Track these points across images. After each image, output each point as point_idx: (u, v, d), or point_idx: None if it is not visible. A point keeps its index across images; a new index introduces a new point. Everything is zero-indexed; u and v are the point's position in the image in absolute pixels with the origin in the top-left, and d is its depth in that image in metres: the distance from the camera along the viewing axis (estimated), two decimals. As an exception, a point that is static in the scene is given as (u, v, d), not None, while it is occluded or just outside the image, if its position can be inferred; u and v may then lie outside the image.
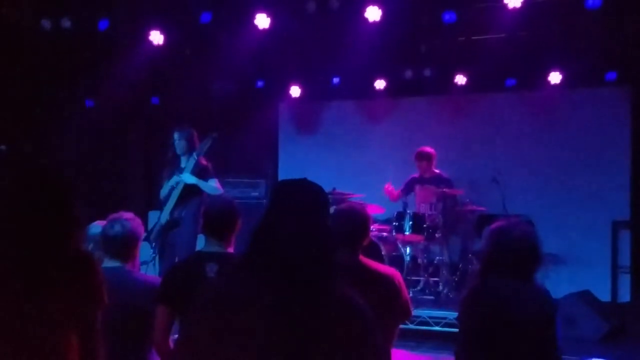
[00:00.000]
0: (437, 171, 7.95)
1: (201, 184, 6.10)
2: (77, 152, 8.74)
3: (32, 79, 8.00)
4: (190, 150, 6.23)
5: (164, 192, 6.34)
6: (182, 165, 6.26)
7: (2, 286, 2.06)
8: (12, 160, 7.57)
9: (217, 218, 3.17)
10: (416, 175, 8.09)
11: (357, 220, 3.12)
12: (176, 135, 6.31)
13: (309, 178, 1.95)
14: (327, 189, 2.16)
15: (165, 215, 6.21)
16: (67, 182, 2.23)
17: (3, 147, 7.92)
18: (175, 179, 6.19)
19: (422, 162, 7.90)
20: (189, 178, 6.08)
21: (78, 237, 2.28)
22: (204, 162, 6.23)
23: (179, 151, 6.31)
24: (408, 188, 8.11)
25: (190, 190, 6.12)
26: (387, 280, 3.08)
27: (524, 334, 2.78)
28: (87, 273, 2.16)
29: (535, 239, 2.89)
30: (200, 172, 6.16)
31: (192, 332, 1.83)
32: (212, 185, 6.16)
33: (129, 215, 3.30)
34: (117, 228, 3.20)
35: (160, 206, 6.44)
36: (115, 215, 3.28)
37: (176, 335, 3.06)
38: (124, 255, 3.25)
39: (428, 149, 7.94)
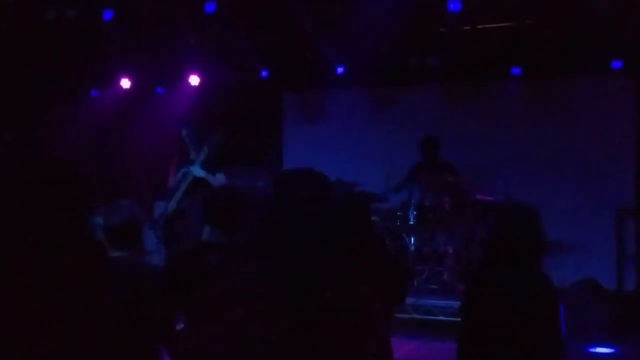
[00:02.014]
0: (442, 160, 7.91)
1: (209, 177, 6.16)
2: (82, 142, 8.76)
3: (36, 69, 8.01)
4: (197, 144, 6.30)
5: (172, 183, 6.41)
6: (191, 157, 6.32)
7: (15, 275, 2.06)
8: (20, 150, 7.59)
9: (220, 207, 3.17)
10: (421, 162, 8.06)
11: (355, 206, 3.11)
12: (184, 132, 6.38)
13: (314, 167, 1.94)
14: (332, 179, 2.15)
15: (172, 205, 6.28)
16: (76, 170, 2.23)
17: (9, 137, 7.94)
18: (184, 170, 6.25)
19: (428, 150, 7.87)
20: (197, 171, 6.16)
21: (85, 224, 2.29)
22: (213, 155, 6.29)
23: (186, 144, 6.39)
24: (414, 172, 8.06)
25: (198, 182, 6.17)
26: (386, 267, 3.08)
27: (526, 322, 2.77)
28: (96, 260, 2.17)
29: (537, 227, 2.88)
30: (209, 165, 6.22)
31: (196, 323, 1.83)
32: (220, 178, 6.21)
33: (126, 203, 3.29)
34: (117, 218, 3.20)
35: (167, 197, 6.50)
36: (112, 205, 3.27)
37: (181, 325, 3.08)
38: (127, 243, 3.25)
39: (434, 137, 7.90)
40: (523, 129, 8.90)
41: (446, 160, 7.93)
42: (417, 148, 8.00)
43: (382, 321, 1.87)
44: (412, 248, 7.67)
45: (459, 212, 7.89)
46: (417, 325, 6.36)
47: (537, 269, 2.87)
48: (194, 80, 8.99)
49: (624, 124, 8.53)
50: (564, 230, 7.93)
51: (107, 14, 7.30)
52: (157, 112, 9.66)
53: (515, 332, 2.76)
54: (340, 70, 8.90)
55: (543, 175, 8.68)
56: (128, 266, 3.22)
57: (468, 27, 7.96)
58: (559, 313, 2.85)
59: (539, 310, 2.80)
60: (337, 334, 1.72)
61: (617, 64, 8.08)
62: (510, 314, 2.76)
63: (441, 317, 6.64)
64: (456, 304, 6.58)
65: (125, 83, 8.83)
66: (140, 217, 3.32)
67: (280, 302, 1.71)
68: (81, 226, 2.19)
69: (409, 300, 6.24)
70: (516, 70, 8.49)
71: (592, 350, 5.89)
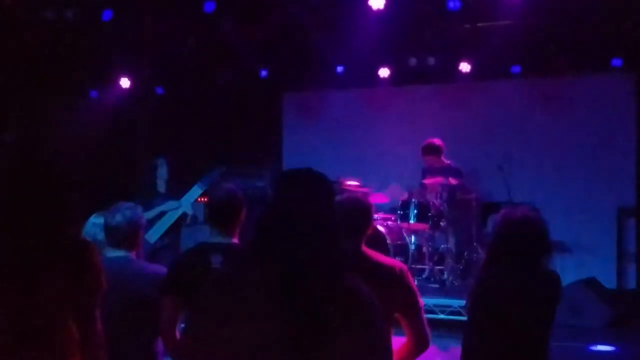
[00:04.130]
0: (446, 162, 7.84)
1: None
2: (82, 144, 8.74)
3: (35, 70, 8.00)
4: (169, 176, 6.17)
5: (149, 214, 6.11)
6: (159, 189, 6.14)
7: None
8: (5, 150, 7.55)
9: (222, 209, 3.16)
10: (425, 165, 8.01)
11: (359, 211, 3.08)
12: (160, 161, 6.21)
13: (313, 167, 1.94)
14: (332, 179, 2.14)
15: (154, 236, 6.02)
16: (59, 170, 2.21)
17: (8, 137, 7.93)
18: (173, 204, 5.99)
19: (428, 155, 7.82)
20: (190, 209, 5.94)
21: (72, 225, 2.27)
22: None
23: (160, 175, 6.21)
24: (422, 174, 8.04)
25: (184, 219, 6.06)
26: (388, 271, 3.02)
27: (528, 323, 2.78)
28: (83, 260, 2.15)
29: (542, 227, 2.88)
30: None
31: (198, 322, 1.83)
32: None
33: (128, 204, 3.31)
34: (118, 218, 3.22)
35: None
36: (115, 205, 3.29)
37: (182, 325, 3.08)
38: (128, 244, 3.26)
39: (434, 141, 7.79)
40: (523, 128, 8.90)
41: (451, 162, 7.90)
42: (416, 148, 7.97)
43: (382, 321, 1.87)
44: (413, 247, 7.68)
45: (460, 212, 7.89)
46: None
47: (542, 267, 2.87)
48: (194, 79, 8.98)
49: (625, 122, 8.53)
50: (565, 229, 7.94)
51: (107, 15, 7.29)
52: (156, 112, 9.66)
53: (522, 330, 2.77)
54: (340, 69, 8.90)
55: (544, 175, 8.69)
56: (128, 266, 3.23)
57: (468, 26, 7.96)
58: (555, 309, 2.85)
59: (541, 312, 2.80)
60: (338, 333, 1.72)
61: (617, 62, 8.08)
62: (517, 312, 2.77)
63: (442, 316, 6.64)
64: (457, 302, 6.60)
65: (125, 83, 8.83)
66: (141, 218, 3.33)
67: (281, 302, 1.71)
68: (64, 225, 2.17)
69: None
70: (516, 69, 8.49)
71: (593, 348, 5.89)
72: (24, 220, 2.09)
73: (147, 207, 6.03)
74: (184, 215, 6.02)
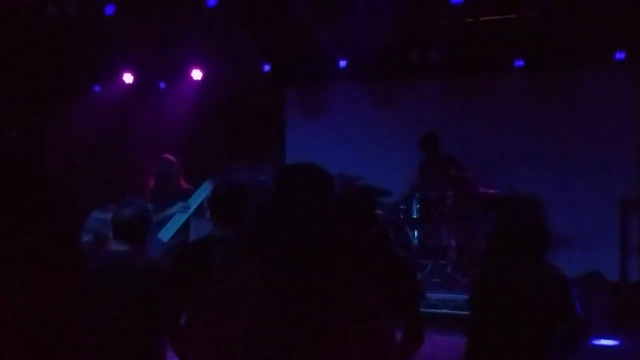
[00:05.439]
0: (445, 154, 7.87)
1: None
2: (85, 138, 8.77)
3: (38, 65, 8.02)
4: (177, 181, 6.26)
5: (160, 217, 6.18)
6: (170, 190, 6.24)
7: None
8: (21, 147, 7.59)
9: (225, 202, 3.17)
10: (425, 158, 8.03)
11: (363, 205, 3.09)
12: (172, 169, 6.29)
13: (316, 162, 1.95)
14: (334, 173, 2.14)
15: (167, 235, 6.09)
16: (40, 166, 2.18)
17: (14, 133, 7.95)
18: (182, 205, 6.09)
19: (427, 146, 7.84)
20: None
21: (66, 225, 2.24)
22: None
23: (169, 181, 6.28)
24: (420, 168, 8.05)
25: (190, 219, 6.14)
26: (391, 266, 3.03)
27: (532, 315, 2.78)
28: (64, 257, 2.13)
29: (540, 218, 2.88)
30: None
31: (200, 315, 1.84)
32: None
33: (137, 199, 3.32)
34: (127, 212, 3.23)
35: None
36: (124, 200, 3.30)
37: (185, 318, 3.09)
38: (134, 238, 3.27)
39: (431, 134, 7.84)
40: (526, 122, 8.88)
41: (449, 154, 7.91)
42: (417, 145, 7.97)
43: (383, 314, 1.87)
44: (416, 242, 7.68)
45: (463, 206, 7.89)
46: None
47: (543, 260, 2.88)
48: (197, 74, 8.98)
49: (628, 116, 8.51)
50: (567, 223, 7.90)
51: (109, 9, 7.30)
52: (159, 107, 9.66)
53: (523, 323, 2.77)
54: (342, 64, 8.88)
55: (546, 168, 8.67)
56: (132, 259, 3.24)
57: (471, 20, 7.94)
58: (572, 296, 2.85)
59: (545, 302, 2.80)
60: (336, 325, 1.73)
61: (620, 55, 8.05)
62: (519, 303, 2.77)
63: (445, 311, 6.65)
64: (460, 297, 6.60)
65: (128, 78, 8.84)
66: (150, 213, 3.34)
67: (283, 293, 1.72)
68: (47, 222, 2.13)
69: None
70: (519, 63, 8.47)
71: (597, 342, 5.89)
72: (11, 222, 2.06)
73: (160, 207, 6.12)
74: (194, 213, 6.09)
